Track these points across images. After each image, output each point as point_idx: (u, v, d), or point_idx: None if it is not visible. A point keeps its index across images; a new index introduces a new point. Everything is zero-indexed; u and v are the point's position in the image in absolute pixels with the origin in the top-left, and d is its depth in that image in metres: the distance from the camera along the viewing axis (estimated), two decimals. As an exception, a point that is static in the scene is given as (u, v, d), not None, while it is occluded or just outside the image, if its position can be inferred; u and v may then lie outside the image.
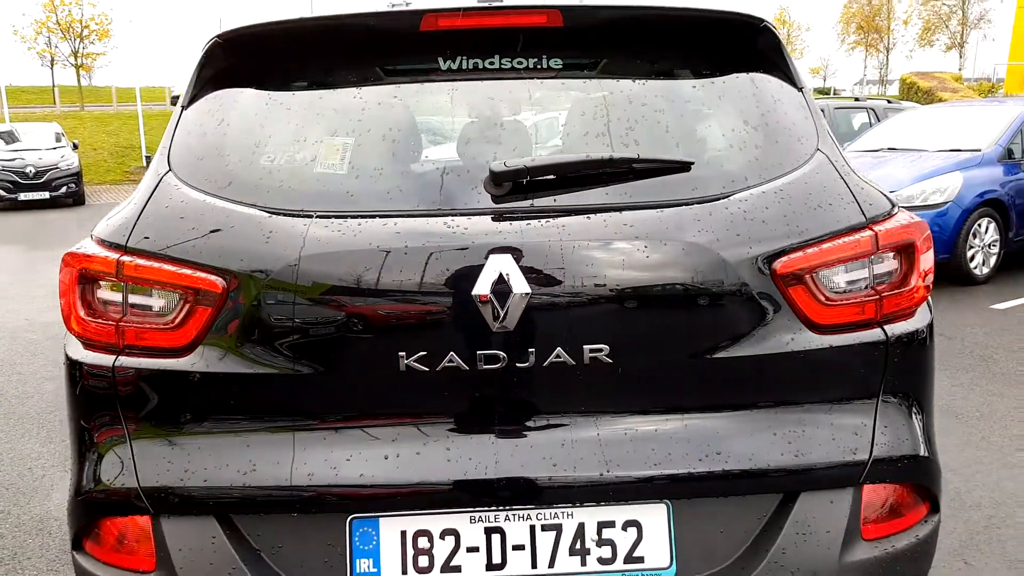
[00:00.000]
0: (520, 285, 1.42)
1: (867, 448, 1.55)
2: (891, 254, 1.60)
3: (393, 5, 1.99)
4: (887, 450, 1.56)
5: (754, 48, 1.75)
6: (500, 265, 1.43)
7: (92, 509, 1.60)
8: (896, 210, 1.66)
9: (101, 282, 1.58)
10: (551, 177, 1.52)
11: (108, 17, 37.23)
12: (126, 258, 1.54)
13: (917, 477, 1.61)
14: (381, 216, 1.50)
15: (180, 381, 1.52)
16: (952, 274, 6.90)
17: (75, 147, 18.21)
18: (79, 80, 36.78)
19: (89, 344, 1.59)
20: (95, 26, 36.43)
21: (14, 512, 3.24)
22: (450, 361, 1.46)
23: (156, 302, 1.54)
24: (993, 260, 7.10)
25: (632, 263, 1.48)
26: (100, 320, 1.56)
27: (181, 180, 1.61)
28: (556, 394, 1.50)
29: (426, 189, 1.56)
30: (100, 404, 1.59)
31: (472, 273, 1.43)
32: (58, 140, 18.32)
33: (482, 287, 1.42)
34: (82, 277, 1.58)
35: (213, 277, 1.49)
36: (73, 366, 1.62)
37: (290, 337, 1.48)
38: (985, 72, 40.08)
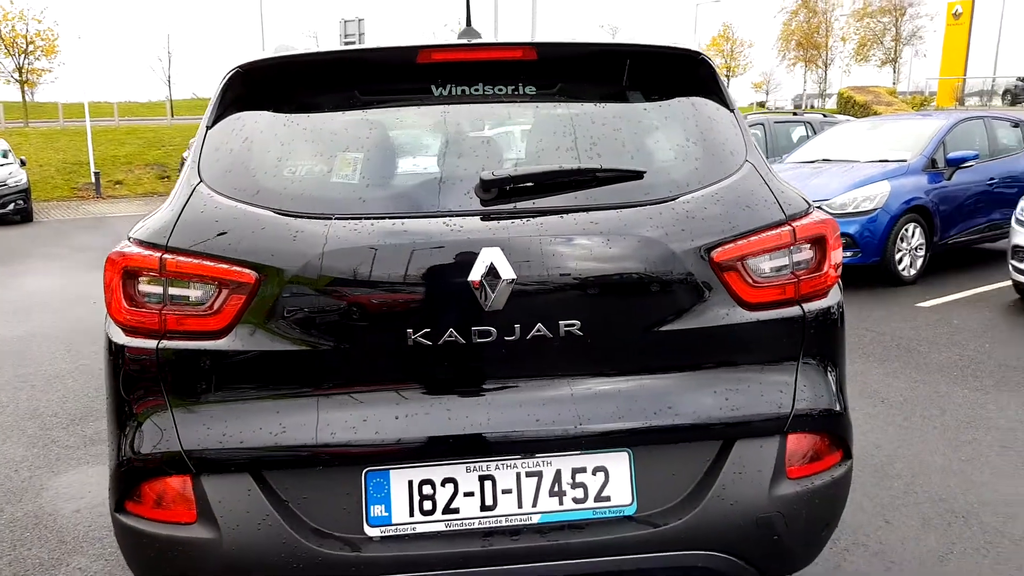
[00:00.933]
0: (507, 273, 1.73)
1: (790, 404, 1.89)
2: (807, 245, 1.95)
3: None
4: (806, 405, 1.91)
5: (694, 77, 2.09)
6: (490, 257, 1.74)
7: (135, 474, 1.84)
8: (811, 209, 2.01)
9: (142, 277, 1.84)
10: (530, 184, 1.83)
11: (55, 33, 36.55)
12: (168, 256, 1.80)
13: (832, 428, 1.96)
14: (390, 218, 1.79)
15: (218, 359, 1.78)
16: (882, 276, 7.40)
17: (23, 164, 17.97)
18: (24, 96, 36.05)
19: (131, 331, 1.85)
20: (41, 42, 35.78)
21: (7, 510, 3.42)
22: (450, 336, 1.76)
23: (194, 293, 1.80)
24: (920, 262, 7.63)
25: (598, 254, 1.80)
26: (143, 309, 1.82)
27: (213, 190, 1.88)
28: (537, 362, 1.81)
29: (426, 195, 1.86)
30: (142, 381, 1.84)
31: (467, 263, 1.74)
32: (5, 156, 18.06)
33: (475, 275, 1.73)
34: (126, 273, 1.84)
35: (247, 270, 1.76)
36: (116, 350, 1.87)
37: (315, 319, 1.76)
38: (918, 86, 41.79)
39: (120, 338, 1.86)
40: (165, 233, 1.84)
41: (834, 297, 2.00)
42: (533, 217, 1.80)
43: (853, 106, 32.00)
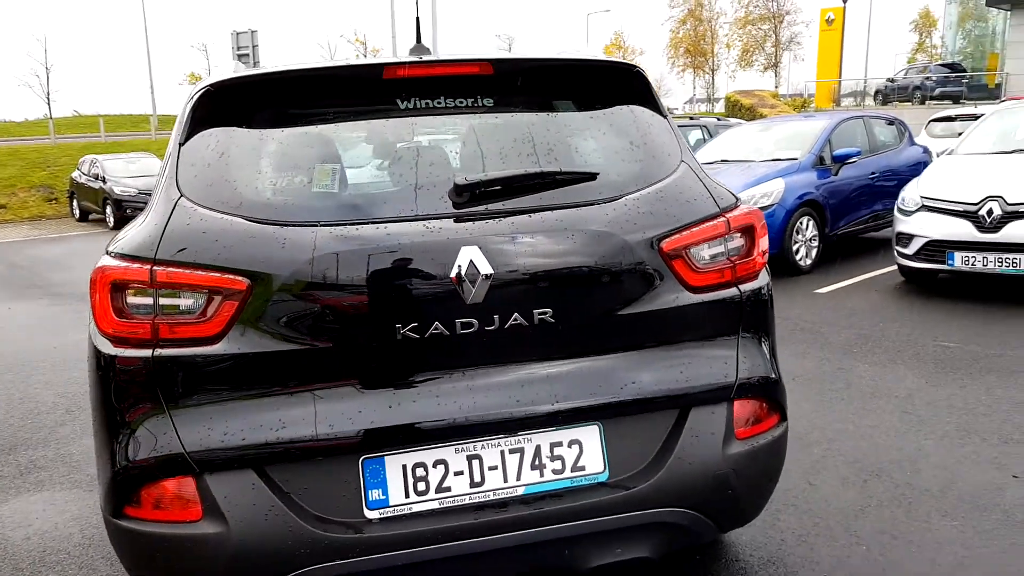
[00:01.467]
0: (485, 268, 1.91)
1: (734, 374, 2.14)
2: (739, 234, 2.20)
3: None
4: (747, 374, 2.16)
5: (631, 87, 2.31)
6: (469, 255, 1.91)
7: (134, 479, 1.91)
8: (739, 203, 2.27)
9: (130, 289, 1.91)
10: (498, 188, 2.01)
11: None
12: (158, 267, 1.89)
13: (769, 393, 2.22)
14: (373, 223, 1.94)
15: (213, 363, 1.88)
16: (781, 266, 7.92)
17: None
18: None
19: (121, 342, 1.92)
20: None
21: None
22: (435, 329, 1.92)
23: (185, 302, 1.90)
24: (814, 252, 8.20)
25: (563, 248, 2.00)
26: (133, 320, 1.91)
27: (195, 203, 1.98)
28: (515, 348, 1.99)
29: (403, 201, 2.01)
30: (136, 389, 1.91)
31: (449, 261, 1.91)
32: None
33: (456, 271, 1.90)
34: (113, 286, 1.92)
35: (239, 278, 1.87)
36: (106, 361, 1.94)
37: (307, 319, 1.89)
38: (798, 88, 44.09)
39: (109, 349, 1.94)
40: (152, 246, 1.92)
41: (764, 279, 2.26)
42: (504, 217, 1.98)
43: (740, 109, 33.52)
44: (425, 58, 2.16)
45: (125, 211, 17.10)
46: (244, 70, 2.22)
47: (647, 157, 2.22)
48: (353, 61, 2.20)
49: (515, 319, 1.95)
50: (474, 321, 1.93)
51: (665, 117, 2.34)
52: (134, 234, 2.03)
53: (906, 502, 3.16)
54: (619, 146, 2.24)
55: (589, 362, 2.04)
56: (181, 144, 2.10)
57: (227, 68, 2.43)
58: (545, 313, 1.97)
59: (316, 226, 1.93)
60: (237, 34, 35.90)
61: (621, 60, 2.36)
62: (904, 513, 3.08)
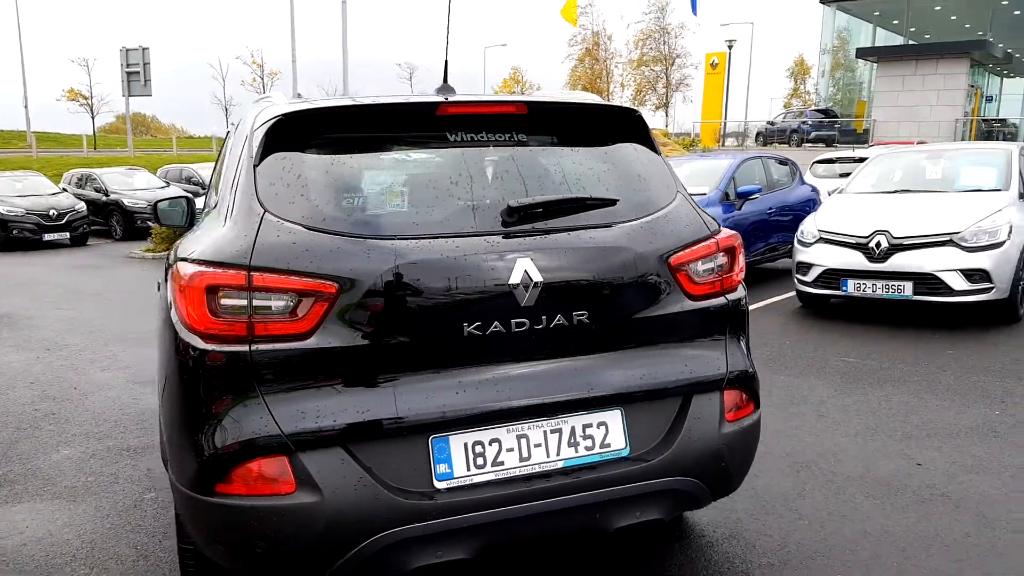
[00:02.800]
0: (536, 277, 2.29)
1: (725, 367, 2.59)
2: (723, 254, 2.66)
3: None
4: (733, 368, 2.61)
5: (635, 127, 2.75)
6: (523, 265, 2.28)
7: (228, 459, 2.16)
8: (721, 227, 2.74)
9: (224, 292, 2.18)
10: (541, 210, 2.40)
11: None
12: (255, 273, 2.17)
13: (749, 384, 2.68)
14: (443, 237, 2.29)
15: (305, 356, 2.17)
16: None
17: None
18: None
19: (215, 338, 2.18)
20: None
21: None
22: (495, 327, 2.28)
23: (277, 303, 2.18)
24: (723, 280, 8.91)
25: (594, 261, 2.40)
26: (229, 319, 2.17)
27: (280, 218, 2.26)
28: (556, 344, 2.37)
29: (463, 218, 2.36)
30: (230, 380, 2.17)
31: (506, 270, 2.27)
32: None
33: (515, 279, 2.27)
34: (208, 289, 2.19)
35: (329, 282, 2.18)
36: (199, 355, 2.19)
37: (387, 318, 2.21)
38: (685, 128, 46.45)
39: (201, 344, 2.19)
40: (245, 253, 2.20)
41: (742, 291, 2.73)
42: (548, 234, 2.38)
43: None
44: (472, 98, 2.53)
45: (136, 222, 18.12)
46: (307, 101, 2.52)
47: (651, 187, 2.66)
48: (411, 98, 2.55)
49: (558, 320, 2.34)
50: (526, 321, 2.30)
51: (659, 154, 2.79)
52: (215, 243, 2.29)
53: (834, 486, 3.70)
54: (629, 176, 2.67)
55: (614, 357, 2.44)
56: (255, 165, 2.39)
57: (279, 96, 2.73)
58: (582, 315, 2.37)
59: (394, 239, 2.26)
60: (127, 51, 34.82)
61: (626, 105, 2.80)
62: (834, 495, 3.62)
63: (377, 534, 2.14)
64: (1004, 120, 33.82)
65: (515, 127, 2.58)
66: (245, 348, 2.16)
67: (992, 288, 6.80)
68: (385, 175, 2.48)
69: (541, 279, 2.30)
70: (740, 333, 2.71)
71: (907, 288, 6.95)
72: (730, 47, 39.26)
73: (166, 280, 2.65)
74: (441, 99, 2.48)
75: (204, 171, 21.20)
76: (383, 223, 2.34)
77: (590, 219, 2.46)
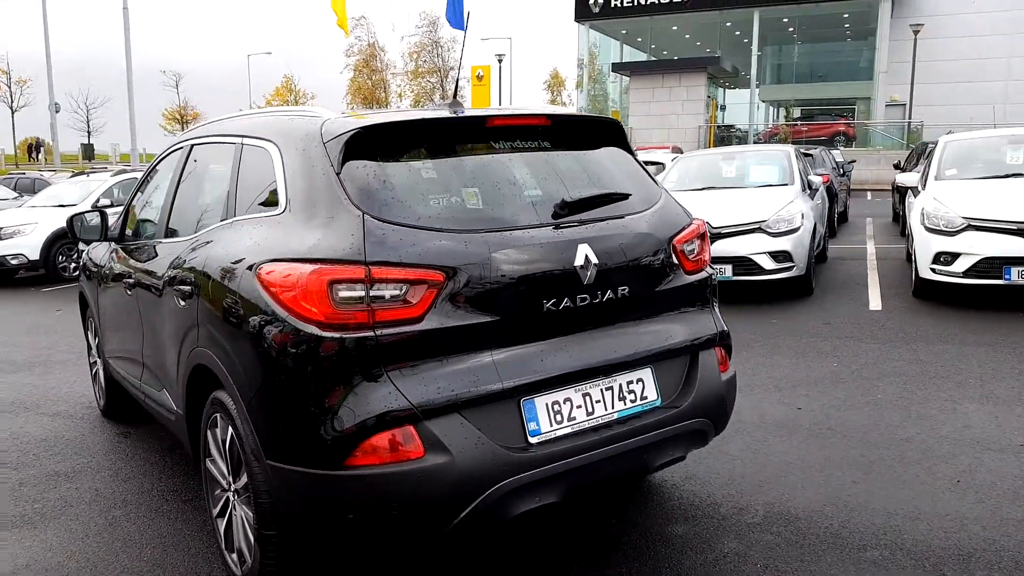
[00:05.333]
0: (594, 259, 2.75)
1: (715, 328, 3.19)
2: (699, 238, 3.27)
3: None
4: (720, 329, 3.22)
5: (617, 134, 3.29)
6: (584, 250, 2.73)
7: (356, 434, 2.40)
8: (693, 218, 3.34)
9: (343, 284, 2.43)
10: (586, 203, 2.85)
11: None
12: (373, 267, 2.44)
13: (728, 342, 3.30)
14: (518, 229, 2.67)
15: (419, 336, 2.47)
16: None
17: None
18: None
19: (336, 327, 2.42)
20: None
21: None
22: (566, 303, 2.70)
23: (391, 292, 2.46)
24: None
25: (630, 244, 2.90)
26: (350, 308, 2.42)
27: (378, 219, 2.53)
28: (607, 314, 2.83)
29: (527, 213, 2.75)
30: (354, 362, 2.42)
31: (572, 255, 2.71)
32: None
33: (579, 261, 2.71)
34: (331, 283, 2.42)
35: (437, 272, 2.49)
36: (314, 342, 2.42)
37: (484, 300, 2.56)
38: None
39: (320, 332, 2.42)
40: (359, 251, 2.46)
41: (711, 268, 3.36)
42: (595, 223, 2.84)
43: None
44: (512, 112, 2.94)
45: None
46: (379, 115, 2.80)
47: (643, 183, 3.21)
48: (466, 113, 2.92)
49: (609, 294, 2.81)
50: (587, 296, 2.76)
51: (635, 156, 3.35)
52: (320, 243, 2.51)
53: (744, 432, 4.46)
54: (626, 174, 3.20)
55: (644, 323, 2.96)
56: (338, 173, 2.63)
57: (324, 110, 2.97)
58: (624, 289, 2.86)
59: (482, 232, 2.61)
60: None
61: (610, 117, 3.33)
62: (748, 437, 4.39)
63: (494, 486, 2.49)
64: (731, 126, 38.54)
65: (541, 136, 3.02)
66: (369, 333, 2.42)
67: (793, 266, 8.12)
68: (456, 178, 2.82)
69: (597, 261, 2.76)
70: (715, 301, 3.33)
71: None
72: (500, 60, 41.12)
73: (209, 287, 2.85)
74: (489, 113, 2.87)
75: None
76: (467, 219, 2.68)
77: (617, 210, 2.96)
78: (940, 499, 3.58)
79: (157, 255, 3.74)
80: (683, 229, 3.15)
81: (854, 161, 20.52)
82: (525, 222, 2.74)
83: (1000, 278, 7.20)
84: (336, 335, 2.42)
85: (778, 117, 43.20)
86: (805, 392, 5.19)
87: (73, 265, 12.46)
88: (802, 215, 8.35)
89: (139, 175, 13.41)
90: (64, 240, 12.39)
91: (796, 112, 39.78)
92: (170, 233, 3.77)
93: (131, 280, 4.03)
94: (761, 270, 8.06)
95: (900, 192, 13.68)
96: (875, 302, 8.10)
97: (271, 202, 2.88)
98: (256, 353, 2.61)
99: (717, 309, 3.33)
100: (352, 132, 2.68)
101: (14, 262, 12.16)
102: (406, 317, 2.47)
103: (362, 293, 2.44)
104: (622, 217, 2.95)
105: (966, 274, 7.37)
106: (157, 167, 4.49)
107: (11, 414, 5.48)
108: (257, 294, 2.62)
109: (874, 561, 3.07)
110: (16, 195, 19.06)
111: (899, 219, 14.23)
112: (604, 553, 3.22)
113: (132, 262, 4.13)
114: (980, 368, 5.60)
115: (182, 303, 3.21)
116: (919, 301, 7.98)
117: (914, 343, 6.39)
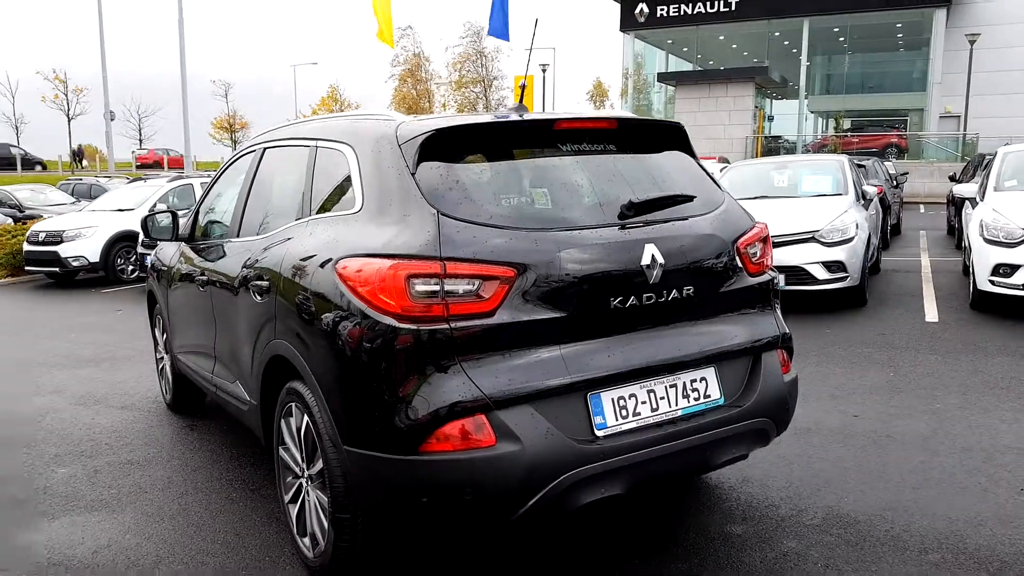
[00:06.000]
0: (660, 259, 2.81)
1: (778, 330, 3.22)
2: (761, 241, 3.31)
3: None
4: (783, 331, 3.26)
5: (681, 138, 3.35)
6: (651, 250, 2.80)
7: (430, 422, 2.50)
8: (756, 221, 3.38)
9: (419, 279, 2.53)
10: (651, 204, 2.92)
11: None
12: (448, 263, 2.54)
13: (790, 344, 3.33)
14: (588, 228, 2.75)
15: (490, 330, 2.56)
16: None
17: None
18: None
19: (412, 319, 2.52)
20: None
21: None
22: (632, 301, 2.77)
23: (464, 287, 2.56)
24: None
25: (694, 245, 2.95)
26: (426, 301, 2.52)
27: (452, 217, 2.63)
28: (674, 313, 2.89)
29: (594, 213, 2.83)
30: (430, 353, 2.52)
31: (639, 254, 2.77)
32: None
33: (645, 260, 2.78)
34: (409, 278, 2.52)
35: (508, 268, 2.58)
36: (391, 333, 2.52)
37: (554, 296, 2.64)
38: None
39: (396, 323, 2.53)
40: (434, 247, 2.56)
41: (773, 271, 3.39)
42: (661, 224, 2.91)
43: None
44: (578, 115, 3.02)
45: None
46: (450, 118, 2.90)
47: (707, 186, 3.26)
48: (533, 116, 3.00)
49: (674, 294, 2.87)
50: (653, 295, 2.82)
51: (697, 160, 3.40)
52: (395, 239, 2.62)
53: (800, 438, 4.46)
54: (689, 177, 3.25)
55: (707, 323, 3.01)
56: (413, 173, 2.74)
57: (396, 113, 3.09)
58: (689, 289, 2.92)
59: (551, 231, 2.70)
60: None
61: (676, 122, 3.38)
62: (804, 443, 4.40)
63: (562, 475, 2.56)
64: (778, 137, 38.12)
65: (606, 139, 3.09)
66: (444, 326, 2.52)
67: (847, 277, 8.05)
68: (525, 178, 2.91)
69: (663, 261, 2.82)
70: (777, 304, 3.36)
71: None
72: (544, 70, 41.28)
73: (288, 282, 2.99)
74: (557, 116, 2.95)
75: (19, 193, 19.76)
76: (536, 218, 2.77)
77: (682, 212, 3.02)
78: (1003, 506, 3.55)
79: (231, 253, 3.90)
80: (747, 232, 3.19)
81: (906, 173, 20.21)
82: (592, 222, 2.82)
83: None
84: (412, 327, 2.52)
85: (827, 128, 42.62)
86: (861, 400, 5.16)
87: (131, 267, 12.86)
88: (856, 225, 8.28)
89: (193, 181, 13.96)
90: (123, 243, 12.81)
91: (846, 123, 39.20)
92: (244, 232, 3.92)
93: (204, 278, 4.20)
94: (814, 280, 8.02)
95: (956, 205, 13.44)
96: (931, 314, 7.98)
97: (347, 201, 3.00)
98: (334, 344, 2.72)
99: (779, 311, 3.36)
100: (427, 134, 2.79)
101: (75, 264, 12.58)
102: (479, 311, 2.56)
103: (437, 288, 2.54)
104: (686, 219, 3.01)
105: None
106: (226, 170, 4.66)
107: (83, 406, 5.72)
108: (336, 288, 2.74)
109: (936, 564, 3.08)
110: (73, 200, 19.79)
111: (954, 232, 13.99)
112: (664, 549, 3.27)
113: (204, 260, 4.30)
114: (1042, 380, 5.52)
115: (258, 298, 3.35)
116: (976, 313, 7.85)
117: (972, 355, 6.30)
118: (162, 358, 5.62)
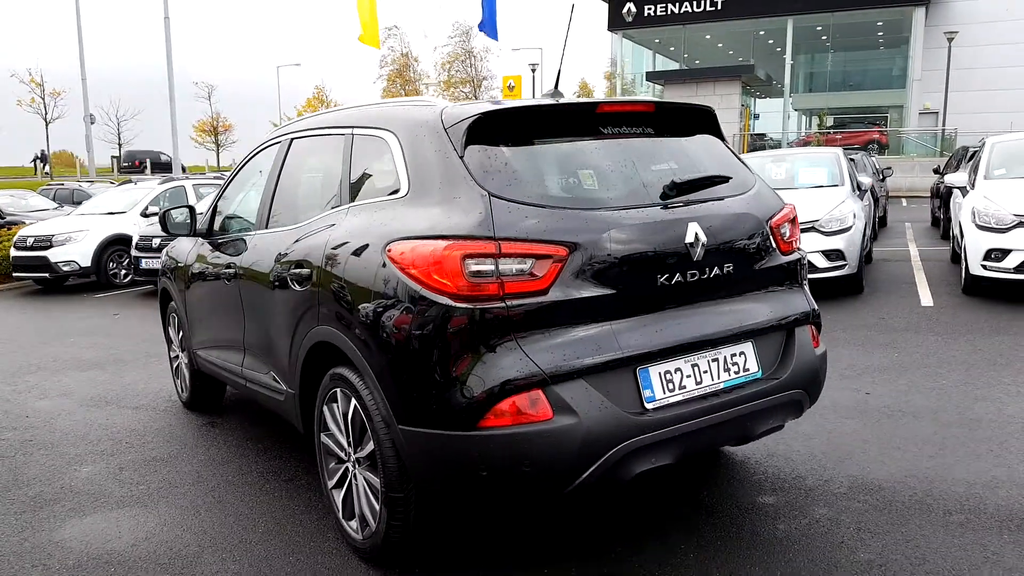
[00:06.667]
0: (703, 238, 2.89)
1: (808, 306, 3.32)
2: (790, 222, 3.40)
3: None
4: (813, 308, 3.35)
5: (712, 123, 3.44)
6: (694, 229, 2.88)
7: (490, 398, 2.55)
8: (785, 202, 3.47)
9: (474, 259, 2.59)
10: (692, 184, 3.01)
11: None
12: (503, 242, 2.60)
13: (819, 320, 3.42)
14: (633, 208, 2.83)
15: (544, 308, 2.63)
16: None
17: None
18: None
19: (467, 299, 2.58)
20: None
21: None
22: (678, 278, 2.85)
23: (518, 266, 2.62)
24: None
25: (734, 224, 3.04)
26: (481, 280, 2.58)
27: (502, 198, 2.70)
28: (715, 290, 2.97)
29: (639, 193, 2.91)
30: (485, 331, 2.57)
31: (682, 233, 2.86)
32: None
33: (689, 239, 2.86)
34: (464, 257, 2.59)
35: (560, 247, 2.65)
36: (446, 312, 2.58)
37: (604, 273, 2.71)
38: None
39: (451, 303, 2.59)
40: (488, 227, 2.62)
41: (801, 251, 3.49)
42: (700, 204, 2.99)
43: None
44: (618, 99, 3.10)
45: None
46: (493, 103, 2.96)
47: (738, 168, 3.35)
48: (576, 101, 3.09)
49: (716, 271, 2.96)
50: (696, 272, 2.90)
51: (726, 143, 3.50)
52: (449, 221, 2.67)
53: (816, 415, 4.55)
54: (722, 159, 3.34)
55: (744, 299, 3.10)
56: (461, 156, 2.81)
57: (437, 100, 3.15)
58: (729, 266, 3.01)
59: (600, 210, 2.77)
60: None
61: (708, 107, 3.47)
62: (820, 420, 4.50)
63: (617, 446, 2.63)
64: (763, 135, 38.48)
65: (644, 122, 3.17)
66: (500, 304, 2.58)
67: (846, 265, 8.20)
68: (570, 160, 2.98)
69: (705, 239, 2.91)
70: (806, 282, 3.46)
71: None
72: (533, 70, 41.42)
73: (333, 268, 3.06)
74: (598, 100, 3.04)
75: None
76: (586, 199, 2.84)
77: (719, 192, 3.11)
78: (1017, 470, 3.68)
79: (261, 245, 3.93)
80: (778, 212, 3.29)
81: (890, 168, 20.55)
82: (637, 202, 2.90)
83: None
84: (469, 306, 2.58)
85: (810, 125, 43.09)
86: (871, 379, 5.29)
87: (124, 272, 12.76)
88: (854, 215, 8.43)
89: (184, 183, 13.89)
90: (115, 247, 12.72)
91: (829, 120, 39.65)
92: (273, 224, 3.95)
93: (230, 271, 4.22)
94: (814, 268, 8.15)
95: (941, 197, 13.69)
96: (926, 299, 8.15)
97: (390, 187, 3.06)
98: (386, 326, 2.77)
99: (808, 289, 3.46)
100: (474, 118, 2.85)
101: (66, 269, 12.47)
102: (533, 289, 2.63)
103: (492, 267, 2.60)
104: (723, 199, 3.10)
105: (1017, 270, 7.47)
106: (247, 164, 4.69)
107: (95, 407, 5.71)
108: (386, 271, 2.79)
109: (960, 524, 3.19)
110: (56, 205, 19.57)
111: (939, 223, 14.24)
112: (700, 519, 3.37)
113: (229, 255, 4.32)
114: (1041, 357, 5.68)
115: (297, 287, 3.39)
116: (969, 298, 8.03)
117: (970, 335, 6.46)
118: (177, 356, 5.62)
